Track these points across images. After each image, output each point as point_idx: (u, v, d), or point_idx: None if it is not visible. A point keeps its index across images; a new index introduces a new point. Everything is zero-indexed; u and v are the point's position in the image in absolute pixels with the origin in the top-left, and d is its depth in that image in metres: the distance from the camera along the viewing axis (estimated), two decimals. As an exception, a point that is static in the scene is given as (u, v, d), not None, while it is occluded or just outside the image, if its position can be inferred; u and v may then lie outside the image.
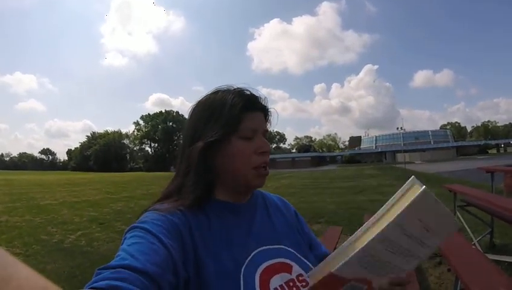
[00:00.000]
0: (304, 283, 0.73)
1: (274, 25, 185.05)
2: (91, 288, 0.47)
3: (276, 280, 0.70)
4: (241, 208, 0.80)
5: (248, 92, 0.79)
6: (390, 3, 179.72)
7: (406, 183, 0.61)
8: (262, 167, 0.76)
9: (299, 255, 0.78)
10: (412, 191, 0.59)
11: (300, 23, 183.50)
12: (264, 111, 0.81)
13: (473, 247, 3.10)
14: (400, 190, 0.61)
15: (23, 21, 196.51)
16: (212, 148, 0.74)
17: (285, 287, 0.70)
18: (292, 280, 0.72)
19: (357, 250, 0.61)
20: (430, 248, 0.68)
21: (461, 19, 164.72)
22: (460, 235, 2.96)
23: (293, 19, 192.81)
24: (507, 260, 3.00)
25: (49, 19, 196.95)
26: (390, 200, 0.62)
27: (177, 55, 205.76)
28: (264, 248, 0.75)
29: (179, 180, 0.76)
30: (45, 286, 0.26)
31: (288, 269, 0.74)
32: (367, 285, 0.68)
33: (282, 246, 0.78)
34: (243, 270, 0.68)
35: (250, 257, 0.71)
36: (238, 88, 0.79)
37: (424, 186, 0.58)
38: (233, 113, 0.74)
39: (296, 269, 0.75)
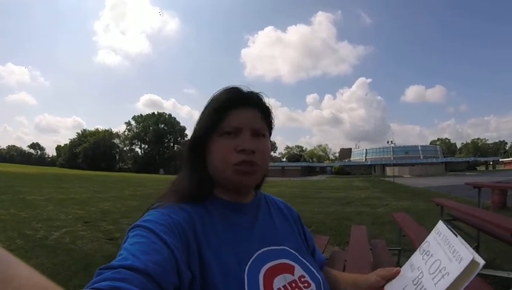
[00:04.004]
0: (305, 284, 0.73)
1: (268, 33, 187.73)
2: (92, 288, 0.46)
3: (279, 281, 0.70)
4: (244, 208, 0.80)
5: (236, 89, 0.79)
6: (386, 17, 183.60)
7: (465, 253, 0.54)
8: (244, 164, 0.74)
9: (300, 257, 0.79)
10: (472, 270, 0.53)
11: (295, 32, 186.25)
12: (257, 108, 0.79)
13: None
14: (459, 261, 0.54)
15: (17, 12, 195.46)
16: (201, 145, 0.77)
17: (289, 287, 0.70)
18: (295, 281, 0.72)
19: None
20: None
21: (455, 37, 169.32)
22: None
23: (288, 27, 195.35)
24: (493, 274, 3.02)
25: (44, 11, 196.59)
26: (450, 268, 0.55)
27: (170, 57, 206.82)
28: (267, 248, 0.75)
29: (178, 177, 0.79)
30: (46, 286, 0.26)
31: (290, 270, 0.74)
32: None
33: (285, 247, 0.79)
34: (246, 270, 0.67)
35: (253, 257, 0.71)
36: (230, 86, 0.80)
37: (483, 262, 0.53)
38: (215, 110, 0.76)
39: (298, 270, 0.75)
